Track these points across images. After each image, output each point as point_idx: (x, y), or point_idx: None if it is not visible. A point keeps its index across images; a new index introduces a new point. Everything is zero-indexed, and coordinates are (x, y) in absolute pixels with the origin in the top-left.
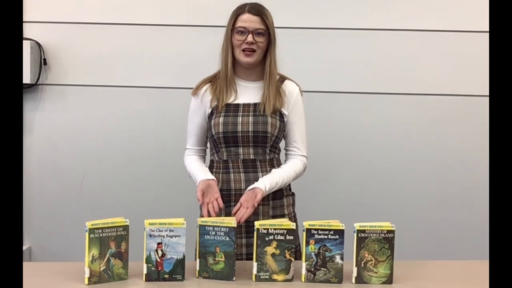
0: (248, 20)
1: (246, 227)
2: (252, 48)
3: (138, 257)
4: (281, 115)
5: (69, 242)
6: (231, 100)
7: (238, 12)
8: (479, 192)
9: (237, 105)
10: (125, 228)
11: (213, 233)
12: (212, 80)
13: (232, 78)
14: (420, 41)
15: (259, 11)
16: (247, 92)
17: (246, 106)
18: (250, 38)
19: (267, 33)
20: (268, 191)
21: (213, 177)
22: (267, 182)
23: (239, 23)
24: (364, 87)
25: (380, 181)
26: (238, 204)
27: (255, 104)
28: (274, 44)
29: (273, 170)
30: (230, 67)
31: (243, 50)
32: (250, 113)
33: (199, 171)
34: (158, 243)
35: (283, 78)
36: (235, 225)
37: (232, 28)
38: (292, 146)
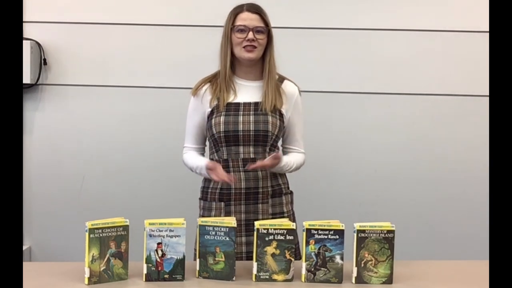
0: (247, 18)
1: (246, 225)
2: (253, 45)
3: (138, 257)
4: (281, 115)
5: (69, 242)
6: (231, 99)
7: (236, 11)
8: (479, 192)
9: (238, 104)
10: (125, 228)
11: (213, 233)
12: (211, 80)
13: (231, 77)
14: (420, 41)
15: (257, 9)
16: (247, 91)
17: (247, 105)
18: (251, 35)
19: (266, 30)
20: (284, 164)
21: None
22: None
23: (239, 22)
24: (364, 87)
25: (380, 181)
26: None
27: (255, 103)
28: (272, 42)
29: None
30: (229, 66)
31: (244, 47)
32: (251, 112)
33: (202, 159)
34: (158, 243)
35: (282, 78)
36: (235, 225)
37: (232, 27)
38: (293, 145)
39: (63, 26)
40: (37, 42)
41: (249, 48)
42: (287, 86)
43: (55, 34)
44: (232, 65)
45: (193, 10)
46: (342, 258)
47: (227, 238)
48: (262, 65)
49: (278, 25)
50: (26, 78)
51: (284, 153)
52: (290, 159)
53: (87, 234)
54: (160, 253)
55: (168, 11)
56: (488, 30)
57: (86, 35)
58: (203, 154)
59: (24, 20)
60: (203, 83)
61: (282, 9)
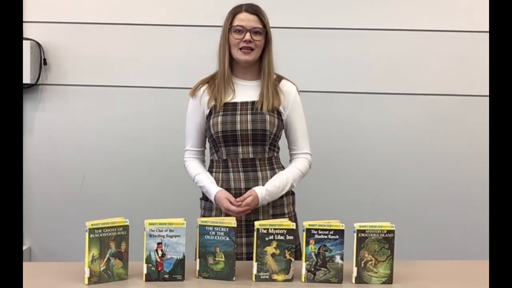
0: (245, 19)
1: (246, 226)
2: (250, 46)
3: (138, 257)
4: (279, 113)
5: (69, 242)
6: (229, 99)
7: (235, 11)
8: (479, 192)
9: (235, 103)
10: (125, 228)
11: (213, 233)
12: (209, 81)
13: (230, 77)
14: (420, 41)
15: (256, 10)
16: (245, 91)
17: (244, 104)
18: (248, 36)
19: (264, 32)
20: (267, 195)
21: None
22: (267, 186)
23: (237, 22)
24: (364, 87)
25: (380, 181)
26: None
27: (252, 102)
28: (270, 43)
29: (278, 173)
30: (227, 66)
31: (241, 49)
32: (248, 111)
33: (210, 182)
34: (158, 243)
35: (280, 78)
36: (235, 225)
37: (230, 27)
38: (294, 145)
39: (63, 26)
40: (37, 42)
41: (245, 51)
42: (284, 85)
43: (55, 34)
44: (230, 65)
45: (193, 10)
46: (342, 258)
47: (227, 238)
48: (260, 65)
49: (278, 25)
50: (26, 78)
51: (290, 155)
52: (275, 181)
53: (87, 234)
54: (160, 253)
55: (168, 11)
56: (488, 30)
57: (86, 35)
58: (204, 159)
59: (24, 20)
60: (201, 84)
61: (282, 9)
